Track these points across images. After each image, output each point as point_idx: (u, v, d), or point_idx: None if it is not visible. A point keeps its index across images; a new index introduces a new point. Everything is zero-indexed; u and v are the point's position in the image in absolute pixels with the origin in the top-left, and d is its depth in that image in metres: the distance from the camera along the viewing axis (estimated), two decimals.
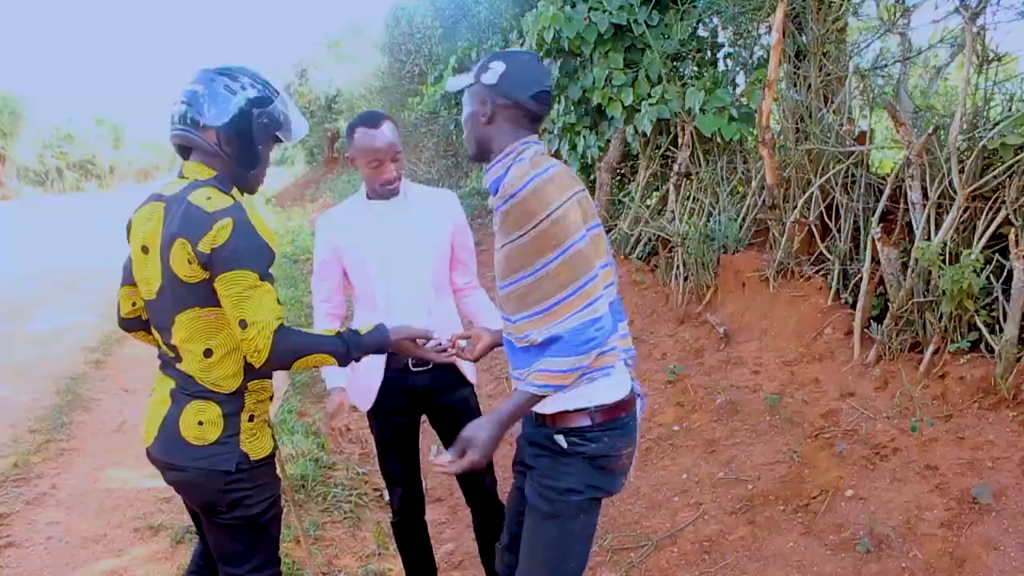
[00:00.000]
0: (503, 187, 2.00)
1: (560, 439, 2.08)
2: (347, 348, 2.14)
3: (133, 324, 2.39)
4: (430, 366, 2.80)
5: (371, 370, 2.79)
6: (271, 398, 2.32)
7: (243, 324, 1.97)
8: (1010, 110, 4.02)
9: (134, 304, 2.32)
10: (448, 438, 2.96)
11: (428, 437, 3.66)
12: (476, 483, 2.97)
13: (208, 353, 2.09)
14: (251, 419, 2.18)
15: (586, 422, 2.07)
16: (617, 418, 2.11)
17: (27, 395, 5.75)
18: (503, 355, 6.51)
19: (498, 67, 2.06)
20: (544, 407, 2.08)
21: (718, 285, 5.60)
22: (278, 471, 2.37)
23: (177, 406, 2.13)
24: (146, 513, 4.04)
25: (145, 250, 2.09)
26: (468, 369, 2.91)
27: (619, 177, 7.75)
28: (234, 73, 2.09)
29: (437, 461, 2.05)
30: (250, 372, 2.15)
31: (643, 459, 4.25)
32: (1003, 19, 4.12)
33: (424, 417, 2.99)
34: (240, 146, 2.08)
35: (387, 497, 4.27)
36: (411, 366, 2.79)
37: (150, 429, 2.18)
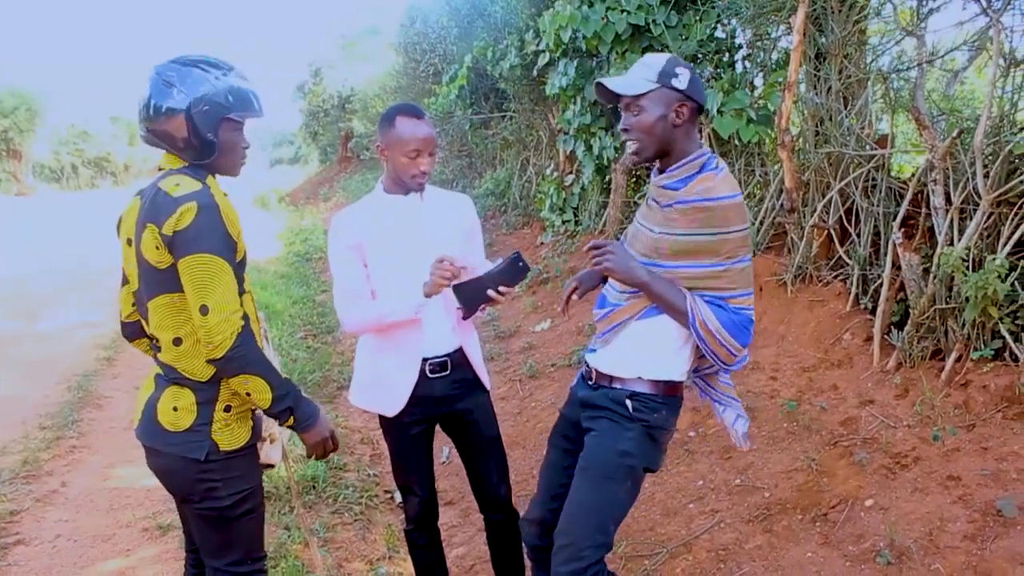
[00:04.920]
0: (702, 188, 2.19)
1: (628, 403, 2.33)
2: (286, 392, 2.10)
3: (134, 330, 2.37)
4: (447, 372, 2.75)
5: (404, 368, 2.70)
6: None
7: (204, 310, 1.96)
8: None
9: (133, 305, 2.30)
10: (463, 445, 2.92)
11: (440, 440, 3.61)
12: (491, 491, 2.92)
13: (177, 342, 2.10)
14: (227, 409, 2.17)
15: (653, 391, 2.33)
16: (676, 395, 2.40)
17: (38, 392, 5.74)
18: (516, 358, 6.45)
19: (685, 72, 2.21)
20: (623, 370, 2.35)
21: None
22: (281, 466, 2.37)
23: (158, 391, 2.17)
24: (155, 512, 4.01)
25: (129, 243, 2.13)
26: (483, 375, 2.87)
27: (635, 179, 7.70)
28: (171, 68, 2.05)
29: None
30: None
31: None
32: None
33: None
34: (194, 138, 2.06)
35: (398, 499, 4.24)
36: (428, 373, 2.73)
37: (137, 412, 2.25)
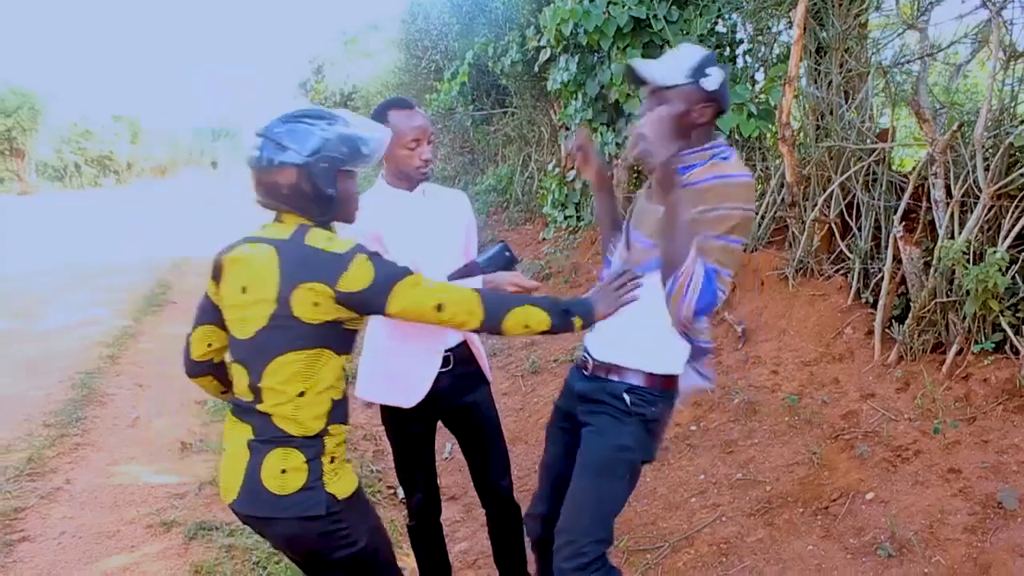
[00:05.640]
0: (712, 173, 2.19)
1: (626, 397, 2.31)
2: (556, 302, 2.10)
3: (202, 368, 2.30)
4: (450, 366, 2.76)
5: (426, 359, 2.70)
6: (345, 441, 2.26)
7: (440, 308, 2.00)
8: None
9: (209, 345, 2.24)
10: (465, 437, 2.94)
11: (442, 436, 3.63)
12: (494, 484, 2.94)
13: (301, 394, 2.04)
14: (332, 461, 2.12)
15: (650, 385, 2.32)
16: (672, 389, 2.38)
17: (41, 390, 5.75)
18: (518, 353, 6.44)
19: (718, 74, 2.19)
20: (620, 357, 2.33)
21: (736, 283, 5.53)
22: None
23: (257, 456, 2.06)
24: (159, 509, 4.03)
25: (244, 290, 2.05)
26: (486, 367, 2.89)
27: (636, 174, 7.70)
28: (278, 126, 2.02)
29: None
30: (333, 415, 2.10)
31: (660, 459, 4.19)
32: None
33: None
34: (314, 195, 2.04)
35: (400, 495, 4.25)
36: None
37: (230, 485, 2.11)
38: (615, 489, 2.32)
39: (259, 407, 2.06)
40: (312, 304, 1.97)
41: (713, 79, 2.19)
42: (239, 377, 2.12)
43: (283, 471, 2.03)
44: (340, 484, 2.11)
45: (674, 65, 2.22)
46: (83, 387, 5.81)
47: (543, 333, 2.10)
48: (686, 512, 3.72)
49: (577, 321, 2.13)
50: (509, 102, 10.99)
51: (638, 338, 2.32)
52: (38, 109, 32.82)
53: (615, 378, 2.35)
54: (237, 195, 26.76)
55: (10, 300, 9.09)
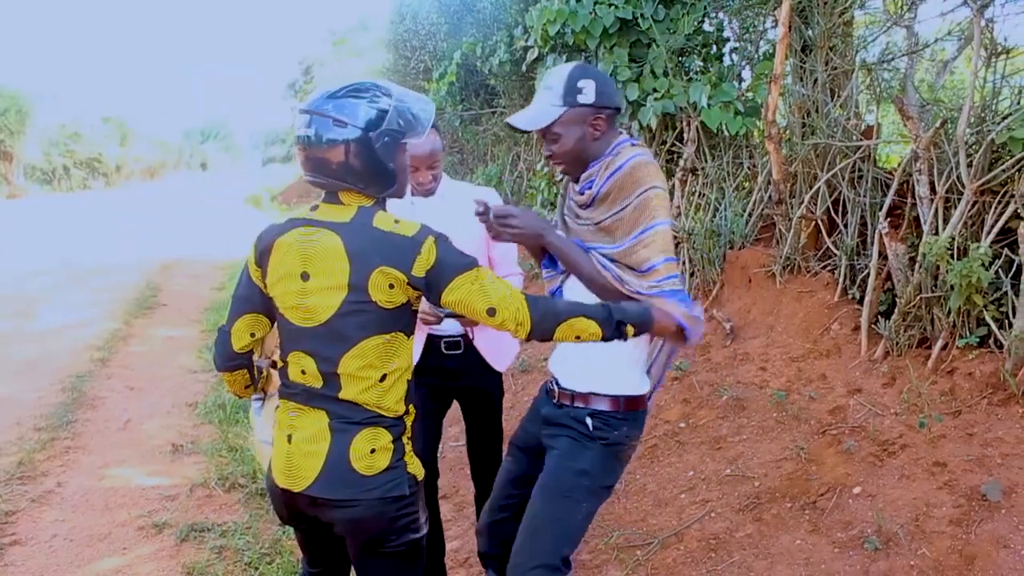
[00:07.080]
0: (603, 168, 2.22)
1: (588, 421, 2.28)
2: (609, 314, 2.06)
3: (241, 361, 2.26)
4: (462, 350, 2.90)
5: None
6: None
7: (492, 312, 1.98)
8: (1019, 103, 3.97)
9: (252, 335, 2.20)
10: (476, 422, 3.11)
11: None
12: (485, 472, 3.03)
13: (383, 378, 2.02)
14: (409, 439, 2.12)
15: (613, 408, 2.29)
16: (637, 410, 2.34)
17: (32, 393, 5.75)
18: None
19: (590, 84, 2.18)
20: (578, 384, 2.33)
21: (724, 281, 5.56)
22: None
23: (343, 437, 2.01)
24: (151, 511, 4.04)
25: (305, 276, 2.00)
26: (497, 360, 2.96)
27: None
28: (327, 103, 1.97)
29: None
30: (408, 396, 2.11)
31: (649, 456, 4.22)
32: (1011, 11, 4.08)
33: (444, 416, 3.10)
34: (372, 170, 2.00)
35: None
36: (443, 349, 2.89)
37: (302, 472, 2.03)
38: (570, 515, 2.26)
39: (340, 395, 2.02)
40: (388, 287, 1.96)
41: (588, 91, 2.18)
42: (304, 365, 2.05)
43: (372, 451, 2.01)
44: (415, 465, 2.12)
45: (546, 100, 2.21)
46: (74, 390, 5.82)
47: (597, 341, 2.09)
48: (675, 508, 3.75)
49: (630, 330, 2.09)
50: (497, 102, 10.99)
51: (598, 363, 2.29)
52: (26, 111, 32.62)
53: (580, 404, 2.33)
54: (227, 197, 26.73)
55: (2, 303, 9.06)
